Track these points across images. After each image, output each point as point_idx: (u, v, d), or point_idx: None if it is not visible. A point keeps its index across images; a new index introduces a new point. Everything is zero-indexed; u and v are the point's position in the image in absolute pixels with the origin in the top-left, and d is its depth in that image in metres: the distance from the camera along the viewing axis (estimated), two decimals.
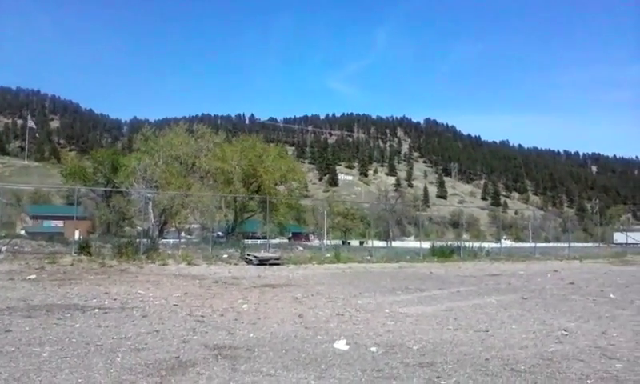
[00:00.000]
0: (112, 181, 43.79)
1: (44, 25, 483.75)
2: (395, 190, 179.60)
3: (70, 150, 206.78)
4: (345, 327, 8.55)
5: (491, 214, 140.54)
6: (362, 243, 61.96)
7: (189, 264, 21.51)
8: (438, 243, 34.22)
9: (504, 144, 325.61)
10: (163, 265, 20.83)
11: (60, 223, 63.20)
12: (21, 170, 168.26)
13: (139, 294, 12.07)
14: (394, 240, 68.20)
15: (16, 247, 25.64)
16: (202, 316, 9.23)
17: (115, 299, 11.06)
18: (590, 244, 58.67)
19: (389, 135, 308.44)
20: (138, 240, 25.20)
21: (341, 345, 7.10)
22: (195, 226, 49.18)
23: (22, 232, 56.13)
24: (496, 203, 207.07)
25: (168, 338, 7.38)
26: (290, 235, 73.82)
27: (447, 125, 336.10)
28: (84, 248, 23.04)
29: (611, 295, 13.74)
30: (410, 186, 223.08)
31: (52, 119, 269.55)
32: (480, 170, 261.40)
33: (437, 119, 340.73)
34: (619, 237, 64.54)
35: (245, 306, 10.63)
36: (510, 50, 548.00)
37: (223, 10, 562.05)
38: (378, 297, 12.67)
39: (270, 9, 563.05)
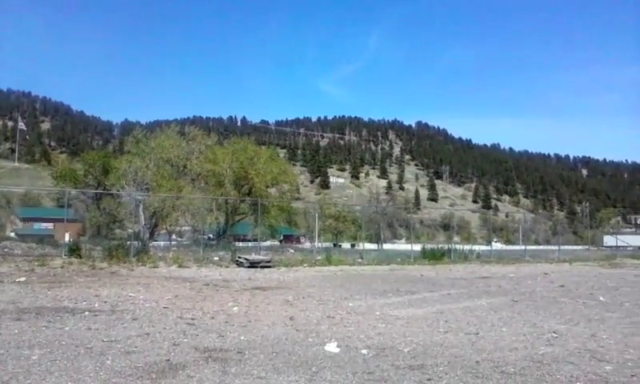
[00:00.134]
0: (103, 183, 43.58)
1: (35, 26, 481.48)
2: (387, 193, 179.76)
3: (61, 152, 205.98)
4: (336, 330, 8.55)
5: (482, 217, 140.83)
6: (353, 246, 62.02)
7: (179, 266, 21.48)
8: (429, 246, 34.28)
9: (495, 147, 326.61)
10: (154, 267, 20.78)
11: (50, 225, 62.95)
12: (11, 172, 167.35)
13: (130, 296, 12.03)
14: (385, 242, 68.33)
15: (6, 250, 25.55)
16: (193, 319, 9.22)
17: (105, 302, 11.02)
18: (580, 247, 58.84)
19: (380, 138, 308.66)
20: (128, 242, 25.12)
21: (332, 347, 7.10)
22: (186, 228, 49.04)
23: (12, 234, 55.95)
24: (487, 206, 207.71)
25: (158, 340, 7.36)
26: (282, 238, 73.60)
27: (438, 128, 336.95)
28: (74, 250, 22.95)
29: (601, 298, 13.82)
30: (402, 188, 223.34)
31: (43, 121, 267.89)
32: (471, 173, 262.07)
33: (428, 122, 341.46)
34: (609, 240, 64.92)
35: (235, 308, 10.62)
36: (501, 54, 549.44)
37: (216, 11, 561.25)
38: (369, 299, 12.69)
39: (262, 11, 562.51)
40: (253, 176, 42.40)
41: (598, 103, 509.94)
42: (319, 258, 28.05)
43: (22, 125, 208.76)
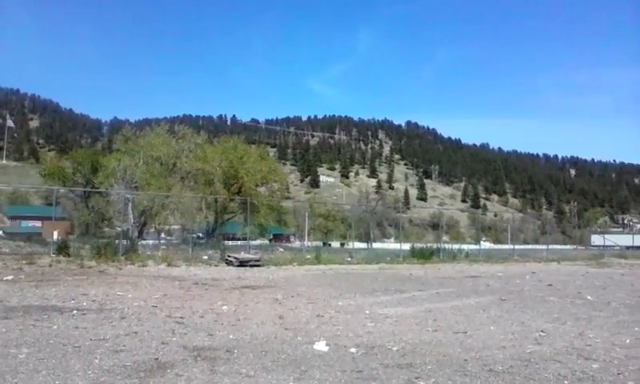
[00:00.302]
0: (91, 181, 43.38)
1: (24, 22, 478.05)
2: (376, 192, 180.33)
3: (50, 150, 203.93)
4: (325, 328, 8.56)
5: (471, 216, 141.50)
6: (342, 245, 62.16)
7: (168, 265, 21.41)
8: (418, 245, 34.35)
9: (484, 147, 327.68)
10: (142, 266, 20.70)
11: (38, 224, 62.66)
12: None
13: (118, 295, 11.99)
14: (375, 242, 68.41)
15: None
16: (182, 317, 9.19)
17: (94, 300, 10.98)
18: (567, 246, 59.36)
19: (370, 137, 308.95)
20: (117, 241, 25.01)
21: (321, 346, 7.10)
22: (175, 227, 48.99)
23: (0, 232, 55.49)
24: (475, 205, 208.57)
25: (147, 339, 7.34)
26: (271, 237, 73.65)
27: (428, 128, 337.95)
28: (62, 249, 22.83)
29: (588, 297, 13.91)
30: (391, 188, 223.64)
31: (31, 119, 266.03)
32: (460, 173, 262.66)
33: (418, 122, 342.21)
34: (597, 239, 65.27)
35: (225, 307, 10.60)
36: (490, 55, 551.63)
37: (206, 10, 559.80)
38: (358, 298, 12.71)
39: (252, 10, 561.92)
40: (242, 175, 42.36)
41: (586, 104, 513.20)
42: (309, 256, 28.06)
43: (10, 122, 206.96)
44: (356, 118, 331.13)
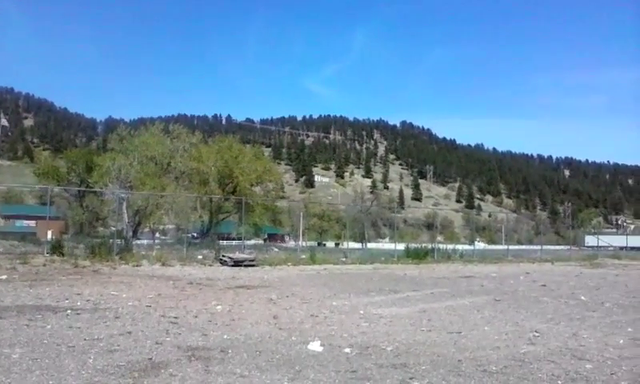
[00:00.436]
0: (86, 181, 43.33)
1: (18, 21, 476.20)
2: (371, 192, 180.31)
3: (44, 149, 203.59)
4: (319, 328, 8.56)
5: (465, 217, 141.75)
6: (337, 245, 62.19)
7: (163, 265, 21.40)
8: (413, 245, 34.40)
9: (478, 147, 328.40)
10: (137, 266, 20.69)
11: (32, 223, 62.39)
12: None
13: (112, 295, 11.97)
14: (369, 242, 68.53)
15: None
16: (176, 317, 9.18)
17: (88, 300, 10.95)
18: (561, 247, 59.34)
19: (365, 137, 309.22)
20: (111, 240, 24.98)
21: (315, 346, 7.10)
22: (170, 226, 48.97)
23: None
24: (470, 206, 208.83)
25: (141, 339, 7.32)
26: (266, 236, 73.78)
27: (423, 128, 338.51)
28: (57, 248, 22.79)
29: (582, 297, 13.95)
30: (386, 188, 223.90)
31: (26, 118, 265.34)
32: (455, 173, 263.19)
33: (413, 122, 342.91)
34: (590, 240, 65.51)
35: (219, 307, 10.59)
36: (485, 55, 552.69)
37: (201, 9, 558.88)
38: (353, 298, 12.72)
39: (247, 9, 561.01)
40: (237, 174, 42.32)
41: (580, 105, 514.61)
42: (303, 256, 28.07)
43: (4, 121, 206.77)
44: (351, 118, 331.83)
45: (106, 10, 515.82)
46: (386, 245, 62.06)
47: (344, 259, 28.44)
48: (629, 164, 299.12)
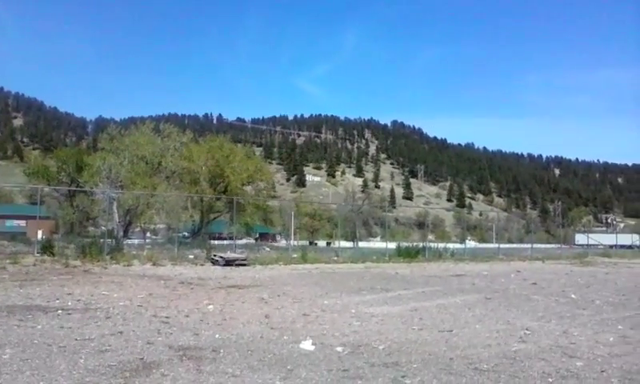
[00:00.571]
0: (76, 180, 43.18)
1: (7, 20, 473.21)
2: (362, 191, 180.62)
3: (34, 149, 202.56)
4: (311, 327, 8.56)
5: (456, 216, 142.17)
6: (328, 244, 62.20)
7: (154, 265, 21.32)
8: (404, 244, 34.43)
9: (469, 147, 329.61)
10: (128, 265, 20.61)
11: (22, 223, 62.17)
12: None
13: (103, 294, 11.92)
14: (361, 241, 68.56)
15: None
16: (167, 317, 9.15)
17: (78, 300, 10.90)
18: (552, 245, 59.68)
19: (356, 137, 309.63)
20: (102, 240, 24.89)
21: (307, 345, 7.10)
22: (161, 226, 48.81)
23: None
24: (461, 205, 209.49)
25: (132, 339, 7.30)
26: (257, 236, 73.69)
27: (414, 127, 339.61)
28: (47, 248, 22.70)
29: (572, 295, 14.01)
30: (377, 187, 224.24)
31: (15, 117, 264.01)
32: (446, 172, 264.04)
33: (404, 121, 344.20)
34: (581, 238, 65.86)
35: (210, 306, 10.57)
36: (476, 55, 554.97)
37: (191, 8, 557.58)
38: (344, 297, 12.71)
39: (238, 8, 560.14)
40: (228, 174, 42.29)
41: (570, 104, 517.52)
42: (295, 256, 28.04)
43: None
44: (342, 118, 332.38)
45: (97, 9, 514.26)
46: (377, 244, 62.14)
47: (335, 258, 28.44)
48: (618, 163, 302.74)
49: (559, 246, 53.47)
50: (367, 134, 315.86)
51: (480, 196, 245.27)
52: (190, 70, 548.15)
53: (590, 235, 61.02)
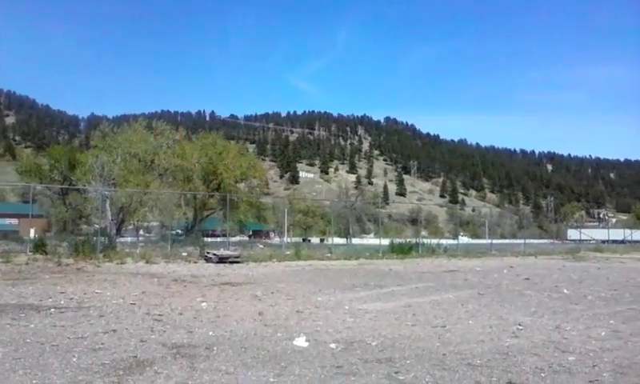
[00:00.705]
0: (69, 178, 43.02)
1: None
2: (355, 188, 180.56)
3: (26, 147, 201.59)
4: (304, 324, 8.57)
5: (449, 212, 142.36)
6: (322, 240, 62.18)
7: (147, 262, 21.30)
8: (397, 240, 34.49)
9: (462, 143, 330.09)
10: (121, 263, 20.57)
11: (15, 221, 61.85)
12: None
13: (96, 293, 11.89)
14: (354, 237, 68.52)
15: None
16: (161, 315, 9.14)
17: (71, 298, 10.88)
18: (544, 240, 59.86)
19: (349, 133, 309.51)
20: (95, 238, 24.85)
21: (300, 342, 7.11)
22: (154, 223, 48.67)
23: None
24: (454, 201, 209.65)
25: (125, 337, 7.29)
26: (251, 233, 73.56)
27: (407, 123, 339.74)
28: (39, 247, 22.64)
29: (565, 290, 14.07)
30: (370, 183, 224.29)
31: (7, 115, 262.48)
32: (438, 168, 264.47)
33: (397, 118, 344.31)
34: (573, 233, 66.21)
35: (204, 304, 10.56)
36: (468, 51, 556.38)
37: (184, 5, 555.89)
38: (338, 294, 12.73)
39: (231, 5, 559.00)
40: (222, 171, 42.18)
41: (562, 100, 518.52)
42: (288, 252, 28.06)
43: None
44: (335, 114, 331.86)
45: (89, 7, 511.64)
46: (370, 240, 62.16)
47: (329, 255, 28.46)
48: (610, 158, 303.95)
49: (552, 241, 53.73)
50: (360, 131, 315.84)
51: (473, 192, 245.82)
52: (182, 67, 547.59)
53: (583, 230, 61.41)
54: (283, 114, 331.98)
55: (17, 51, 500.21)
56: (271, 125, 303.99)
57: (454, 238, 49.28)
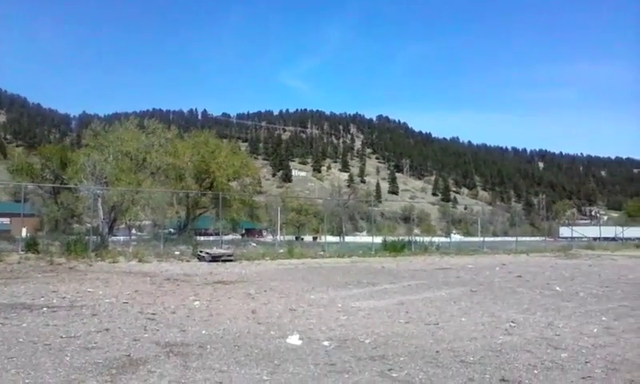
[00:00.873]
0: (60, 177, 42.89)
1: None
2: (348, 186, 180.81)
3: (17, 146, 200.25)
4: (298, 322, 8.57)
5: (441, 210, 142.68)
6: (315, 239, 62.17)
7: (140, 261, 21.25)
8: (390, 238, 34.54)
9: (454, 141, 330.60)
10: (113, 262, 20.52)
11: (6, 220, 61.44)
12: None
13: (89, 292, 11.86)
14: (347, 235, 68.63)
15: None
16: (154, 314, 9.13)
17: (64, 298, 10.84)
18: (536, 238, 60.00)
19: (342, 131, 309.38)
20: (87, 237, 24.75)
21: (294, 340, 7.12)
22: (146, 222, 48.55)
23: None
24: (446, 199, 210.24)
25: (118, 336, 7.27)
26: (243, 231, 73.59)
27: (399, 121, 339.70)
28: (31, 246, 22.56)
29: (557, 288, 14.13)
30: (363, 181, 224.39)
31: None
32: (431, 166, 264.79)
33: (389, 116, 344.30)
34: (565, 231, 66.36)
35: (197, 302, 10.55)
36: (460, 50, 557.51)
37: (176, 3, 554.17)
38: (331, 291, 12.74)
39: (223, 3, 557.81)
40: (214, 169, 42.13)
41: (554, 98, 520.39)
42: (281, 251, 28.05)
43: None
44: (328, 112, 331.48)
45: (80, 4, 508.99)
46: (363, 238, 62.22)
47: (322, 253, 28.47)
48: (602, 156, 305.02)
49: (543, 238, 53.75)
50: (353, 129, 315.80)
51: (465, 190, 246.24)
52: (174, 66, 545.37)
53: (574, 228, 61.56)
54: (276, 113, 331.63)
55: (7, 50, 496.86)
56: (264, 123, 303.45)
57: (446, 236, 49.43)
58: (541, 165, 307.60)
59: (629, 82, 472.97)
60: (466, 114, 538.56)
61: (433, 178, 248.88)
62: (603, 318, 9.23)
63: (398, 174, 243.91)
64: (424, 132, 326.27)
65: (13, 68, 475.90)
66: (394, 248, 30.70)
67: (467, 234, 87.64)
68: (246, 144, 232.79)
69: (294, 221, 75.79)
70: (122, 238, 37.46)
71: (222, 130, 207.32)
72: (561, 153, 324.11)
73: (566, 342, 7.30)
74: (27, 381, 5.08)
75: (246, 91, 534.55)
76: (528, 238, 58.03)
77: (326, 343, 6.98)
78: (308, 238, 64.95)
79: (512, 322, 8.79)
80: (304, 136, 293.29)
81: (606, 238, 54.34)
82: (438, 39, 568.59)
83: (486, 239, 45.18)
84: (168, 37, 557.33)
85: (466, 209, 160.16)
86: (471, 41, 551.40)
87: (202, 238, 40.08)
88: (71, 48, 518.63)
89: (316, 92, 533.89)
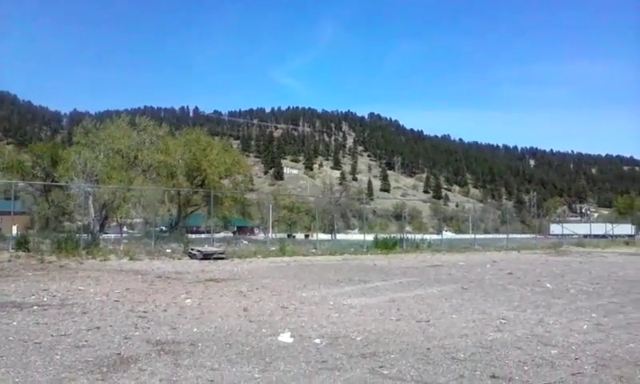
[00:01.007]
0: (51, 175, 42.71)
1: None
2: (340, 184, 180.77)
3: (8, 143, 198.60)
4: (289, 320, 8.58)
5: (433, 207, 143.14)
6: (307, 236, 62.22)
7: (131, 259, 21.20)
8: (382, 235, 34.64)
9: (445, 138, 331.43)
10: (104, 260, 20.45)
11: None
12: None
13: (79, 290, 11.82)
14: (339, 233, 68.72)
15: None
16: (145, 312, 9.11)
17: (54, 296, 10.80)
18: (527, 235, 60.34)
19: (334, 129, 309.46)
20: (78, 235, 24.66)
21: (285, 337, 7.12)
22: (137, 220, 48.35)
23: None
24: (437, 196, 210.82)
25: (109, 334, 7.25)
26: (235, 229, 73.50)
27: (391, 119, 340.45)
28: (22, 244, 22.45)
29: (547, 285, 14.20)
30: (355, 179, 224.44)
31: None
32: (422, 164, 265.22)
33: (381, 113, 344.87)
34: (555, 228, 66.73)
35: (188, 300, 10.53)
36: (451, 48, 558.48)
37: (168, 0, 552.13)
38: (323, 289, 12.75)
39: (215, 1, 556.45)
40: (206, 167, 42.07)
41: (544, 96, 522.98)
42: (273, 248, 28.04)
43: None
44: (319, 110, 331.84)
45: (70, 2, 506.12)
46: (355, 236, 62.35)
47: (314, 250, 28.50)
48: (592, 153, 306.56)
49: (534, 236, 54.08)
50: (344, 127, 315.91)
51: (456, 187, 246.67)
52: (166, 63, 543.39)
53: (565, 225, 61.83)
54: (267, 110, 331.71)
55: None
56: (255, 121, 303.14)
57: (437, 233, 49.66)
58: (532, 162, 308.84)
59: (621, 81, 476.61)
60: (457, 111, 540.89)
61: (424, 175, 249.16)
62: (593, 315, 9.29)
63: (389, 172, 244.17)
64: (415, 130, 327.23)
65: (3, 65, 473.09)
66: (386, 245, 30.77)
67: (458, 231, 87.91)
68: (238, 142, 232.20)
69: (286, 218, 75.69)
70: (113, 235, 37.32)
71: (213, 127, 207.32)
72: (551, 150, 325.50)
73: (556, 338, 7.33)
74: (17, 380, 5.06)
75: (238, 89, 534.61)
76: (519, 236, 58.33)
77: (317, 341, 6.99)
78: (300, 236, 64.96)
79: (503, 319, 8.83)
80: (296, 134, 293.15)
81: (596, 236, 54.73)
82: (429, 37, 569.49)
83: (477, 236, 45.41)
84: (160, 34, 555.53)
85: (457, 206, 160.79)
86: (463, 38, 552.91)
87: (194, 236, 40.01)
88: (62, 45, 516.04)
89: (308, 90, 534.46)
